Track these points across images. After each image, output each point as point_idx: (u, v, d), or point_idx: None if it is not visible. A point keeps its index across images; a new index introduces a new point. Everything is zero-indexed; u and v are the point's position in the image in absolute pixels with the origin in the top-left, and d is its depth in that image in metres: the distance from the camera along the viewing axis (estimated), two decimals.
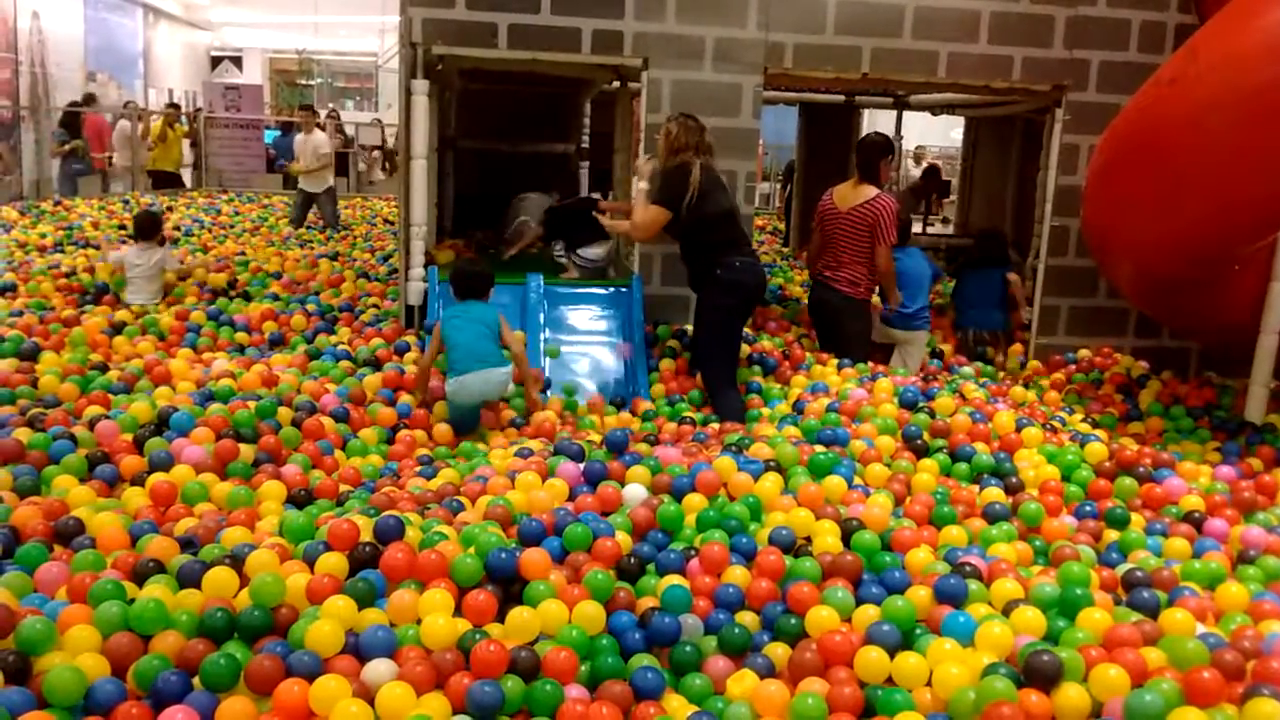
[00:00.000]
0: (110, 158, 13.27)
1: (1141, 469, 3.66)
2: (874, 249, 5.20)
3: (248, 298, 6.35)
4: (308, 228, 10.10)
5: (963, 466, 3.66)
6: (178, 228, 9.32)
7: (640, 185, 4.88)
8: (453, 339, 4.40)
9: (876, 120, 11.50)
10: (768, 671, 2.39)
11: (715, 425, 4.44)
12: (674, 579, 2.64)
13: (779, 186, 14.62)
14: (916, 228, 10.03)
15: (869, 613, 2.50)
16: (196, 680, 2.11)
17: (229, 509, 3.18)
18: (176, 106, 14.45)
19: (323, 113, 15.16)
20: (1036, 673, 2.16)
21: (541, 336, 5.38)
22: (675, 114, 4.86)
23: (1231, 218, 4.13)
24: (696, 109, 5.09)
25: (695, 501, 3.05)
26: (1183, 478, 3.66)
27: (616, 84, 6.78)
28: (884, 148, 5.32)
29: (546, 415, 4.47)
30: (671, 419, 4.58)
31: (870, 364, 4.93)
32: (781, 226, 11.43)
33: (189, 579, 2.45)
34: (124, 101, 15.27)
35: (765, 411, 4.50)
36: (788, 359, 5.23)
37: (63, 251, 7.86)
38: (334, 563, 2.53)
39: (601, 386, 5.16)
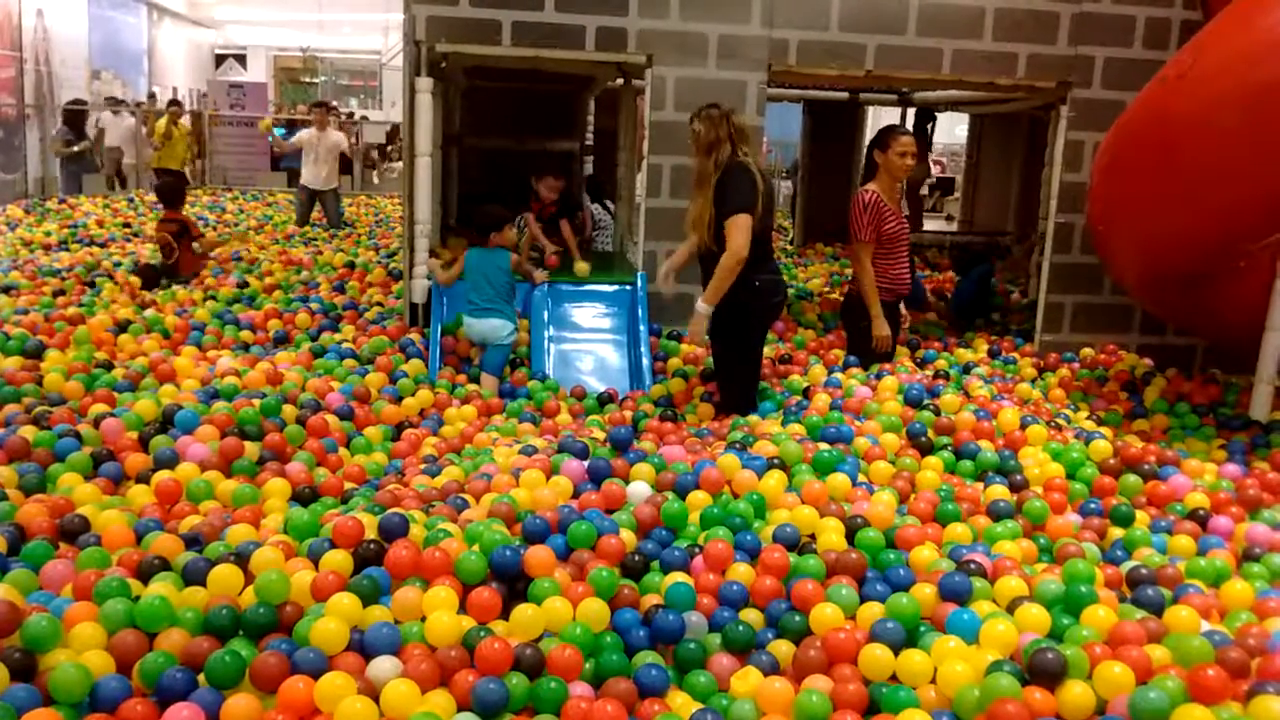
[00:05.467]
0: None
1: (1146, 466, 3.65)
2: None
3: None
4: (311, 225, 10.11)
5: (967, 464, 3.65)
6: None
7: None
8: (467, 275, 5.07)
9: (880, 117, 11.50)
10: (772, 669, 2.39)
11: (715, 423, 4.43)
12: (678, 576, 2.64)
13: (782, 182, 14.58)
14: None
15: (873, 610, 2.50)
16: (202, 677, 2.12)
17: (234, 507, 3.19)
18: (179, 103, 14.45)
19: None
20: (1041, 670, 2.16)
21: (546, 335, 5.39)
22: (697, 110, 4.40)
23: (1237, 214, 4.12)
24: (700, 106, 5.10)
25: (699, 499, 3.05)
26: (1187, 475, 3.65)
27: (620, 81, 6.79)
28: (873, 141, 5.12)
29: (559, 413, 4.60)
30: (664, 420, 4.53)
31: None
32: (787, 225, 11.41)
33: (194, 576, 2.46)
34: (167, 100, 15.22)
35: (753, 418, 4.42)
36: (786, 363, 5.22)
37: (67, 250, 7.88)
38: (339, 560, 2.53)
39: (605, 383, 5.17)
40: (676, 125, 5.42)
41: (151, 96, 14.87)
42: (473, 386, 4.93)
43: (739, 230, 4.16)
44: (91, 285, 6.50)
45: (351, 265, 7.30)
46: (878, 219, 4.86)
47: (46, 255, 7.52)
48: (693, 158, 4.46)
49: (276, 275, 6.97)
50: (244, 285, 6.64)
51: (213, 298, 6.29)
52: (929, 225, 12.25)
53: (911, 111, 9.43)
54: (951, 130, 17.56)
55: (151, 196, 11.58)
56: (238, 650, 2.17)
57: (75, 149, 12.30)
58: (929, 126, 10.59)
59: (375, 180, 16.17)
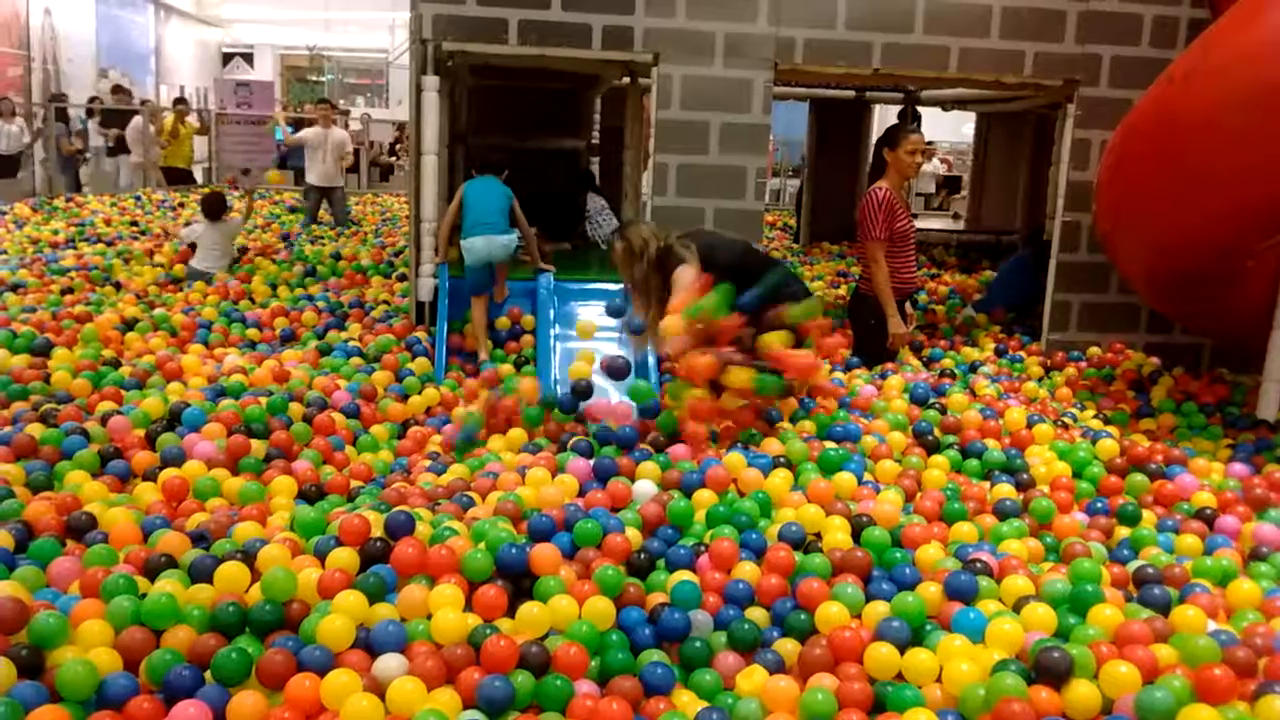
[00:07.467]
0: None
1: (1153, 465, 3.64)
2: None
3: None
4: (319, 223, 10.13)
5: (974, 463, 3.65)
6: (188, 223, 9.35)
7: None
8: (469, 205, 5.32)
9: (887, 116, 11.48)
10: (777, 667, 2.39)
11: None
12: (684, 575, 2.64)
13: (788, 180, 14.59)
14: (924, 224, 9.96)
15: (879, 609, 2.50)
16: (208, 674, 2.12)
17: (240, 504, 3.20)
18: (184, 102, 14.48)
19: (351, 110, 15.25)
20: (1047, 669, 2.16)
21: (551, 332, 5.39)
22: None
23: (1245, 213, 4.11)
24: (706, 104, 5.15)
25: (705, 497, 3.06)
26: (1194, 474, 3.64)
27: (627, 79, 6.78)
28: (882, 139, 5.12)
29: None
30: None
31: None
32: (793, 223, 11.39)
33: (200, 574, 2.47)
34: (173, 99, 15.25)
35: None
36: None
37: (74, 248, 7.89)
38: (345, 558, 2.53)
39: (610, 381, 5.15)
40: (683, 124, 5.43)
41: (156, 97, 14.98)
42: (472, 382, 4.88)
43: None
44: (118, 286, 6.51)
45: (361, 269, 7.26)
46: (890, 216, 4.86)
47: (73, 259, 7.44)
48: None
49: (270, 270, 6.94)
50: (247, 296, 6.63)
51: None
52: (936, 224, 12.21)
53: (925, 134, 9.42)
54: (958, 128, 17.53)
55: (159, 195, 11.60)
56: (244, 647, 2.18)
57: (75, 145, 12.33)
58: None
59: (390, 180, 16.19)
